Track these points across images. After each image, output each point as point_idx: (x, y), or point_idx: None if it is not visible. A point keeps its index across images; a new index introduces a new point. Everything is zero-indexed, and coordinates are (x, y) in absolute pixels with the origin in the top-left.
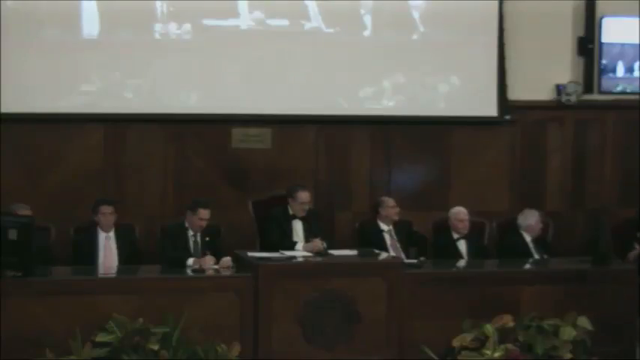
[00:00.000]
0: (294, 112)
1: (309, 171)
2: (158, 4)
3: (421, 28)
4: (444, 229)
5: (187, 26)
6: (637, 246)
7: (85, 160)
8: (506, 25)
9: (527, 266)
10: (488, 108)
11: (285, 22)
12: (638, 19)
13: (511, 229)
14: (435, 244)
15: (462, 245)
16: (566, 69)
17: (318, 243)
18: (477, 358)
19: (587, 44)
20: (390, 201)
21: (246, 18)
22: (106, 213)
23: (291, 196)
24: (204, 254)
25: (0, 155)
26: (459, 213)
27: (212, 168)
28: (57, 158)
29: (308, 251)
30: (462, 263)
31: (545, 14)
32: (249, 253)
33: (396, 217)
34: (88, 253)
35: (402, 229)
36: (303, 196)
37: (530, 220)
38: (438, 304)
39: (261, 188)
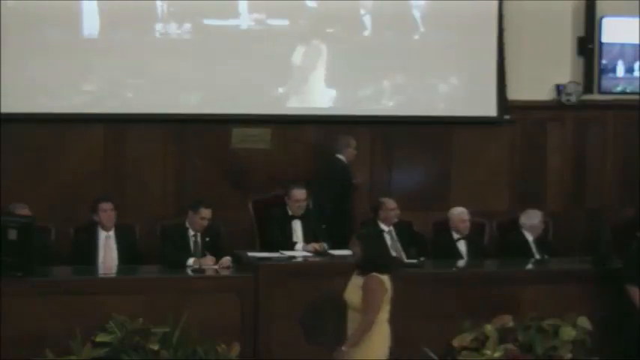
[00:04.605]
0: (294, 112)
1: (309, 171)
2: (158, 3)
3: (421, 29)
4: (444, 229)
5: (187, 26)
6: None
7: (85, 160)
8: (506, 25)
9: (528, 266)
10: (488, 108)
11: (285, 22)
12: (638, 19)
13: (513, 228)
14: (435, 244)
15: (462, 245)
16: (566, 69)
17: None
18: (476, 358)
19: (587, 44)
20: (390, 203)
21: (246, 18)
22: (107, 210)
23: (287, 195)
24: (204, 254)
25: (0, 155)
26: (462, 213)
27: (212, 168)
28: (57, 158)
29: (308, 251)
30: (461, 263)
31: (545, 14)
32: (249, 253)
33: (395, 219)
34: (88, 253)
35: (402, 229)
36: (298, 194)
37: (533, 220)
38: (438, 304)
39: (261, 188)
